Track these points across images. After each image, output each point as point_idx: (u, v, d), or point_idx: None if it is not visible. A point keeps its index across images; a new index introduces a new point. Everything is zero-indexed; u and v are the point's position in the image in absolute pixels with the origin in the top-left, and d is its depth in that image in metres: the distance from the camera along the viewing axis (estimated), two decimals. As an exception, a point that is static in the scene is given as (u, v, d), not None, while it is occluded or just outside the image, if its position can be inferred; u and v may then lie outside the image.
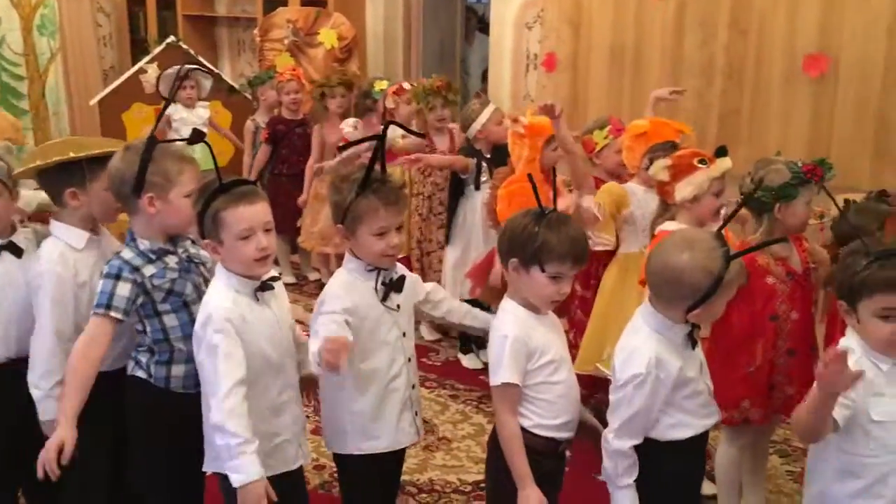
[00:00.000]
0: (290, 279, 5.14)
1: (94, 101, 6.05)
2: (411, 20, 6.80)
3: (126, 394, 2.19)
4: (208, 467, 2.09)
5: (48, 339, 2.15)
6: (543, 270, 1.88)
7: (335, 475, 2.98)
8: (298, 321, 2.28)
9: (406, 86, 4.38)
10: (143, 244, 2.13)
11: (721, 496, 2.67)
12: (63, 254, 2.21)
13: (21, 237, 2.32)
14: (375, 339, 2.11)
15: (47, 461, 1.93)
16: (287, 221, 4.88)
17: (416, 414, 2.23)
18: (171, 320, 2.13)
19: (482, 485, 2.96)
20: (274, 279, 2.09)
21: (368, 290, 2.09)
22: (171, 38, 6.10)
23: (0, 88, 6.11)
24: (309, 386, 2.28)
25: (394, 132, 4.03)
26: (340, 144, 4.37)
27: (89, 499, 2.33)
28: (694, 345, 1.87)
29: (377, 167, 2.05)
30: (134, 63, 6.43)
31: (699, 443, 1.94)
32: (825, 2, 4.71)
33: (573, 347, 2.97)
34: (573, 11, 5.63)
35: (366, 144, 3.90)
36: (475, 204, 3.86)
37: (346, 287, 2.09)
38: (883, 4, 4.54)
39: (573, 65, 5.77)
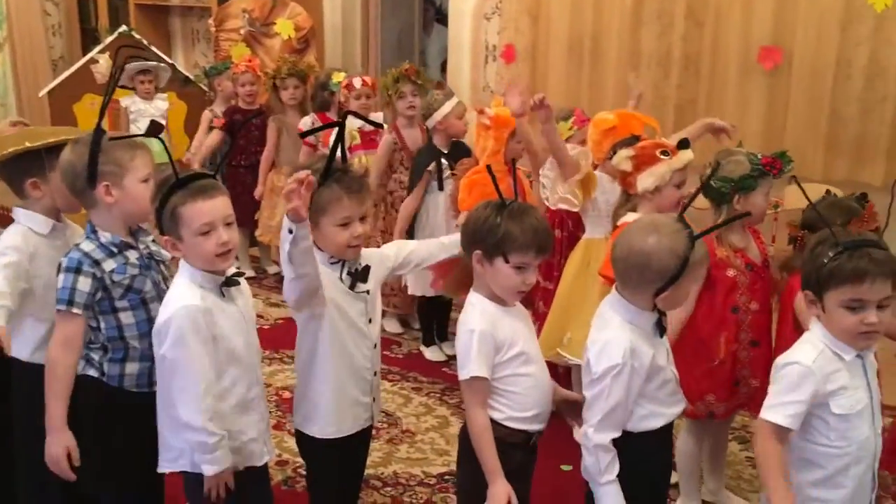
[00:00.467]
0: (250, 273, 5.08)
1: (43, 93, 5.88)
2: (369, 10, 6.75)
3: (76, 394, 2.13)
4: (166, 468, 2.05)
5: None
6: (507, 261, 1.87)
7: (298, 471, 2.97)
8: (258, 315, 2.25)
9: (357, 82, 4.32)
10: (105, 237, 2.09)
11: (682, 483, 2.70)
12: (25, 235, 2.20)
13: None
14: (345, 324, 2.10)
15: (62, 472, 2.01)
16: (245, 214, 4.81)
17: (374, 400, 2.22)
18: (127, 318, 2.09)
19: (447, 477, 2.96)
20: (239, 274, 2.05)
21: (334, 279, 2.07)
22: (123, 28, 5.96)
23: (-56, 80, 5.94)
24: None
25: (351, 124, 4.00)
26: (300, 132, 4.31)
27: (48, 499, 2.29)
28: (662, 333, 1.88)
29: (338, 157, 2.02)
30: (84, 53, 6.29)
31: (668, 431, 1.96)
32: (780, -6, 4.79)
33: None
34: (532, 2, 5.64)
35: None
36: (437, 202, 3.84)
37: None
38: (835, -2, 4.62)
39: (532, 56, 5.78)
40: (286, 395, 3.52)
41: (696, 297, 2.43)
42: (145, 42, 5.88)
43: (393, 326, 4.26)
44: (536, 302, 3.25)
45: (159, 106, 5.14)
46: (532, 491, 2.08)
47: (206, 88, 5.58)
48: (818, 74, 4.78)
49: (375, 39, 6.90)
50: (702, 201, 3.00)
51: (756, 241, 2.52)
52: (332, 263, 2.08)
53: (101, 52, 5.64)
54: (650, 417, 1.87)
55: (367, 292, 2.14)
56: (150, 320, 2.09)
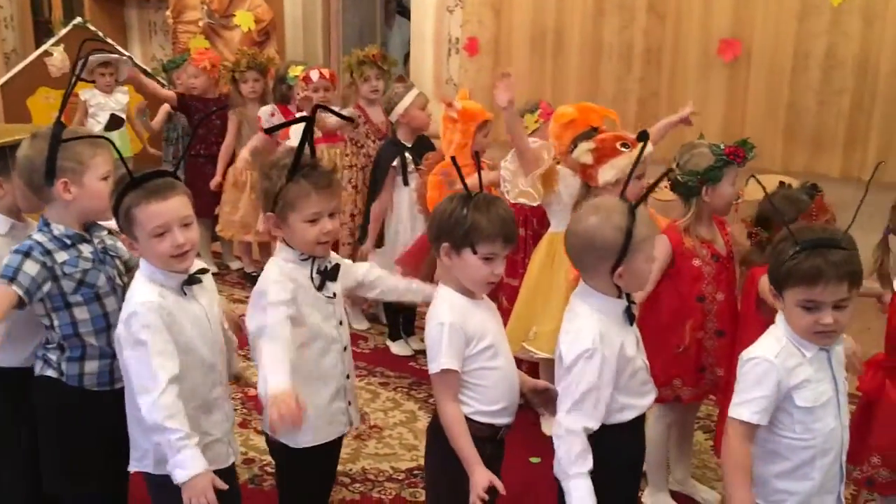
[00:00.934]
0: (212, 268, 4.99)
1: (-5, 87, 5.75)
2: (330, 3, 6.69)
3: (35, 395, 2.10)
4: (133, 467, 2.01)
5: None
6: (475, 252, 1.87)
7: (265, 469, 2.94)
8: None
9: (314, 74, 4.28)
10: (58, 229, 2.04)
11: (650, 474, 2.72)
12: None
13: None
14: (314, 329, 2.07)
15: None
16: (206, 206, 4.74)
17: (350, 403, 2.19)
18: (81, 313, 2.05)
19: (415, 472, 2.95)
20: (202, 272, 2.01)
21: (304, 280, 2.04)
22: (78, 20, 5.84)
23: None
24: (239, 382, 2.22)
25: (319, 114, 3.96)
26: (265, 127, 4.26)
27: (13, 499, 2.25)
28: (632, 321, 1.89)
29: (307, 151, 1.99)
30: (38, 46, 6.14)
31: (640, 423, 1.97)
32: (739, -13, 4.84)
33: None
34: (494, -5, 5.64)
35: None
36: (402, 197, 3.81)
37: (283, 277, 2.02)
38: (793, -9, 4.69)
39: (495, 49, 5.78)
40: (252, 392, 3.47)
41: (661, 284, 2.45)
42: (101, 34, 5.77)
43: (359, 322, 4.23)
44: (500, 298, 3.25)
45: (119, 99, 5.03)
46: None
47: (164, 82, 5.49)
48: (776, 67, 4.85)
49: (337, 32, 6.84)
50: (666, 193, 3.03)
51: (722, 233, 2.55)
52: (302, 260, 2.05)
53: (55, 44, 5.52)
54: (623, 410, 1.88)
55: (335, 295, 2.11)
56: (106, 315, 2.06)
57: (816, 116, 4.80)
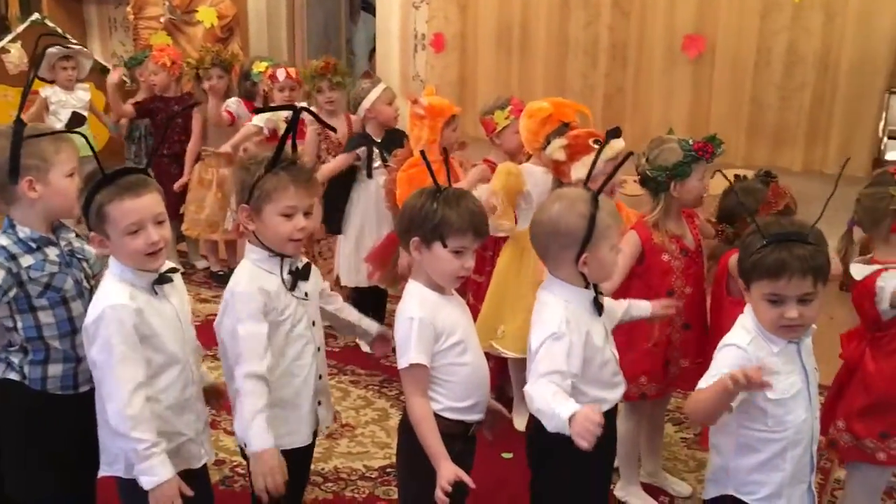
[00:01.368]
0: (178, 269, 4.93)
1: (-50, 84, 5.61)
2: (294, -2, 6.64)
3: None
4: (104, 471, 1.98)
5: None
6: (446, 246, 1.87)
7: (236, 470, 2.90)
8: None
9: (280, 74, 4.24)
10: (23, 232, 2.00)
11: (622, 466, 2.74)
12: None
13: None
14: (287, 331, 2.04)
15: None
16: (171, 206, 4.66)
17: (320, 404, 2.18)
18: (46, 317, 2.01)
19: (388, 470, 2.94)
20: (173, 271, 1.98)
21: (276, 281, 2.01)
22: (36, 16, 5.73)
23: None
24: (215, 395, 2.20)
25: (277, 114, 3.93)
26: (255, 108, 4.20)
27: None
28: (600, 311, 1.90)
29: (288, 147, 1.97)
30: (-6, 42, 5.99)
31: (612, 415, 1.98)
32: (702, -17, 4.90)
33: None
34: (460, -9, 5.64)
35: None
36: (368, 191, 3.79)
37: (254, 281, 1.99)
38: (755, -12, 4.75)
39: (461, 45, 5.78)
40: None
41: (630, 279, 2.46)
42: (59, 31, 5.66)
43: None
44: (467, 295, 3.24)
45: (81, 97, 4.94)
46: (473, 480, 2.07)
47: (125, 79, 5.40)
48: (740, 62, 4.91)
49: (301, 28, 6.79)
50: (634, 188, 3.05)
51: (691, 227, 2.57)
52: (271, 258, 2.02)
53: (13, 41, 5.40)
54: (594, 404, 1.88)
55: (307, 296, 2.09)
56: (72, 320, 2.02)
57: (778, 111, 4.88)
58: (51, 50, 4.77)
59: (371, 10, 7.20)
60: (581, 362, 1.82)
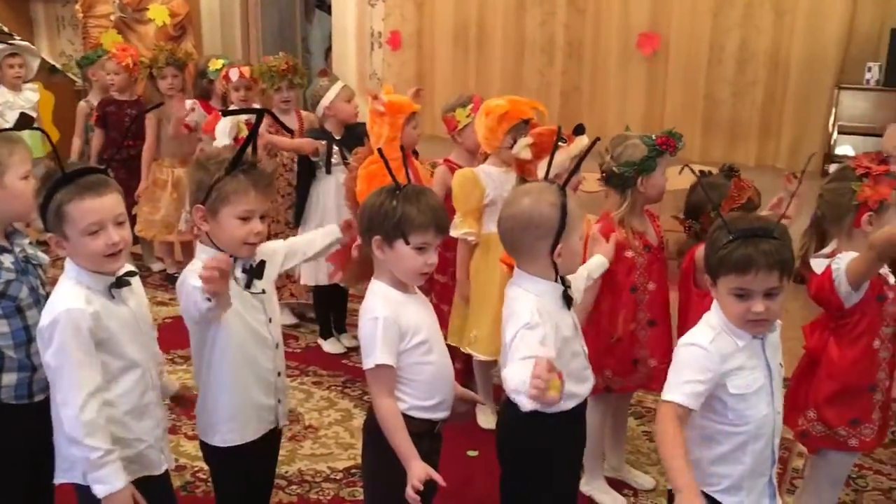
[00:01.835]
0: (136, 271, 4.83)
1: None
2: (248, -4, 6.57)
3: None
4: (61, 478, 1.93)
5: None
6: (408, 243, 1.86)
7: (197, 475, 2.86)
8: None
9: (234, 74, 4.18)
10: None
11: (587, 460, 2.74)
12: None
13: None
14: (245, 328, 2.02)
15: None
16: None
17: (279, 402, 2.15)
18: (1, 326, 1.95)
19: (353, 471, 2.92)
20: (131, 274, 1.94)
21: (230, 282, 1.98)
22: (-20, 14, 5.57)
23: None
24: (182, 402, 2.19)
25: (237, 116, 3.88)
26: (188, 122, 4.13)
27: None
28: (569, 305, 1.90)
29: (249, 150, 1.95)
30: (-64, 41, 5.81)
31: (581, 409, 1.98)
32: (656, -19, 4.96)
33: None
34: (416, -11, 5.63)
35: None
36: (327, 187, 3.76)
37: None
38: (708, -15, 4.83)
39: (418, 43, 5.78)
40: (180, 397, 3.38)
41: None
42: (5, 29, 5.51)
43: (287, 318, 4.15)
44: (430, 295, 3.24)
45: (29, 97, 4.82)
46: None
47: (75, 78, 5.28)
48: (693, 60, 4.99)
49: (256, 26, 6.72)
50: (592, 184, 3.08)
51: (653, 224, 2.60)
52: None
53: (-44, 40, 5.24)
54: (566, 398, 1.89)
55: (263, 291, 2.07)
56: (27, 328, 1.97)
57: (732, 108, 4.97)
58: None
59: (326, 8, 7.15)
60: (553, 350, 1.82)
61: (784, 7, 4.72)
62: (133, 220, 4.71)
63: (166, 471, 2.06)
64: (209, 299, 1.79)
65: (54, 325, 1.79)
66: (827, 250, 2.22)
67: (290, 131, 3.75)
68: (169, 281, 4.87)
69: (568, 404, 1.90)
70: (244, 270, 2.01)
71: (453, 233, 2.94)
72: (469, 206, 2.99)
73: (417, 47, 5.77)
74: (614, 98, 5.23)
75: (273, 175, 2.07)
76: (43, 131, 1.99)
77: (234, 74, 4.19)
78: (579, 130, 2.56)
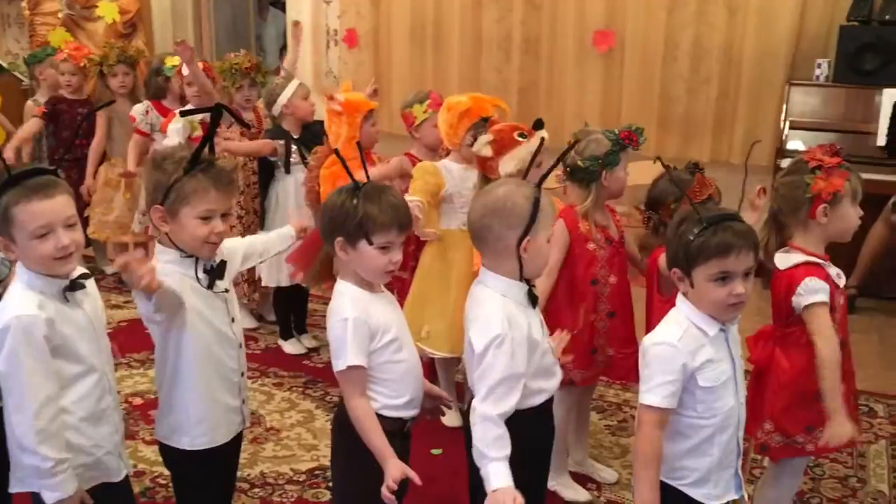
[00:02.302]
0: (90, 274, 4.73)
1: None
2: (200, -7, 6.47)
3: None
4: (16, 488, 1.87)
5: None
6: (371, 243, 1.84)
7: (157, 481, 2.81)
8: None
9: (185, 71, 4.13)
10: None
11: (552, 456, 2.76)
12: None
13: None
14: (208, 329, 1.98)
15: None
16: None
17: (244, 402, 2.13)
18: None
19: (317, 472, 2.89)
20: (85, 276, 1.88)
21: (191, 282, 1.94)
22: (-80, 11, 5.39)
23: None
24: None
25: (192, 118, 3.82)
26: (141, 127, 4.06)
27: None
28: (535, 304, 1.91)
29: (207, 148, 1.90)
30: None
31: (549, 407, 1.99)
32: (610, -21, 5.00)
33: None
34: (372, -14, 5.60)
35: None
36: (287, 187, 3.72)
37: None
38: (662, -18, 4.88)
39: (374, 41, 5.75)
40: (137, 401, 3.32)
41: (559, 269, 2.49)
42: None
43: (247, 322, 4.10)
44: (392, 291, 3.22)
45: (-28, 98, 4.67)
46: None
47: (21, 77, 5.15)
48: (648, 56, 5.05)
49: (208, 23, 6.62)
50: (551, 181, 3.08)
51: (613, 218, 2.62)
52: (184, 258, 1.95)
53: None
54: (535, 394, 1.90)
55: (226, 290, 2.04)
56: None
57: (686, 104, 5.03)
58: None
59: (280, 4, 7.07)
60: (524, 359, 1.83)
61: (736, 4, 4.80)
62: (85, 221, 4.62)
63: (126, 477, 2.02)
64: (149, 298, 1.77)
65: (5, 331, 1.74)
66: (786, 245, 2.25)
67: (248, 126, 3.70)
68: (123, 283, 4.76)
69: (537, 399, 1.90)
70: (206, 271, 1.97)
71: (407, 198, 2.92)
72: (425, 189, 2.93)
73: (374, 45, 5.75)
74: (571, 94, 5.27)
75: (233, 173, 2.02)
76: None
77: (185, 70, 4.12)
78: (538, 125, 2.57)
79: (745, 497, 1.95)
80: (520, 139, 2.54)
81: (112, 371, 1.99)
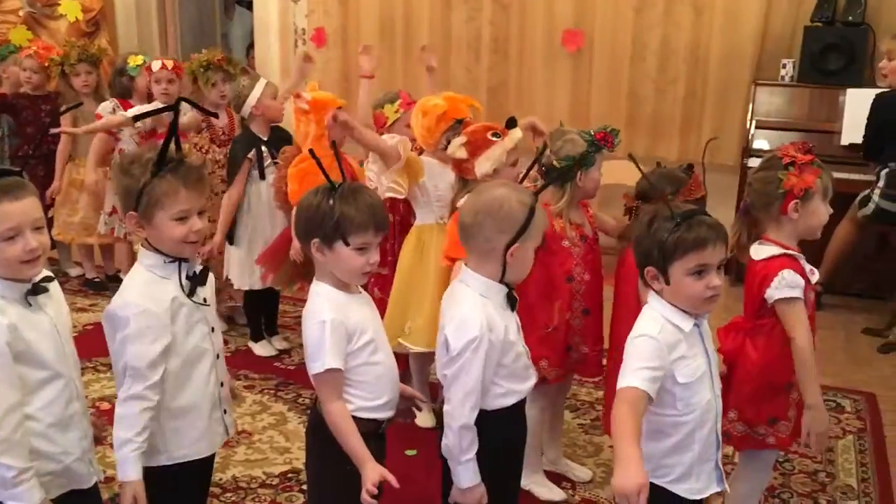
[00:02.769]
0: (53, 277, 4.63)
1: None
2: (165, -10, 6.38)
3: None
4: None
5: None
6: (348, 244, 1.82)
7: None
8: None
9: (156, 65, 4.06)
10: None
11: (526, 455, 2.76)
12: None
13: None
14: (187, 339, 1.94)
15: None
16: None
17: (226, 412, 2.08)
18: None
19: (290, 475, 2.86)
20: (48, 279, 1.84)
21: (172, 287, 1.90)
22: None
23: None
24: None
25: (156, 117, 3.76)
26: (133, 115, 3.98)
27: None
28: (513, 307, 1.90)
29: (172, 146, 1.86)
30: None
31: (521, 406, 1.98)
32: (579, -21, 5.02)
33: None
34: (340, -15, 5.56)
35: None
36: (259, 192, 3.65)
37: (147, 291, 1.87)
38: (630, -17, 4.91)
39: (343, 39, 5.71)
40: (105, 406, 3.26)
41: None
42: None
43: (216, 324, 4.05)
44: (371, 288, 3.20)
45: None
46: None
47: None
48: (617, 57, 5.08)
49: (174, 22, 6.53)
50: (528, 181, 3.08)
51: (587, 216, 2.63)
52: (168, 264, 1.90)
53: None
54: (507, 395, 1.90)
55: (206, 301, 1.99)
56: None
57: (654, 103, 5.07)
58: None
59: (247, 3, 7.00)
60: (495, 362, 1.85)
61: (703, 4, 4.84)
62: (50, 222, 4.52)
63: (96, 484, 1.98)
64: None
65: None
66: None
67: (215, 115, 3.63)
68: (88, 286, 4.69)
69: (508, 400, 1.91)
70: (188, 277, 1.93)
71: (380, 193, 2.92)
72: (412, 158, 2.93)
73: (342, 44, 5.71)
74: (541, 94, 5.28)
75: (202, 168, 1.98)
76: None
77: (155, 66, 4.06)
78: (511, 124, 2.57)
79: (728, 489, 1.96)
80: (494, 139, 2.53)
81: (79, 376, 1.94)
